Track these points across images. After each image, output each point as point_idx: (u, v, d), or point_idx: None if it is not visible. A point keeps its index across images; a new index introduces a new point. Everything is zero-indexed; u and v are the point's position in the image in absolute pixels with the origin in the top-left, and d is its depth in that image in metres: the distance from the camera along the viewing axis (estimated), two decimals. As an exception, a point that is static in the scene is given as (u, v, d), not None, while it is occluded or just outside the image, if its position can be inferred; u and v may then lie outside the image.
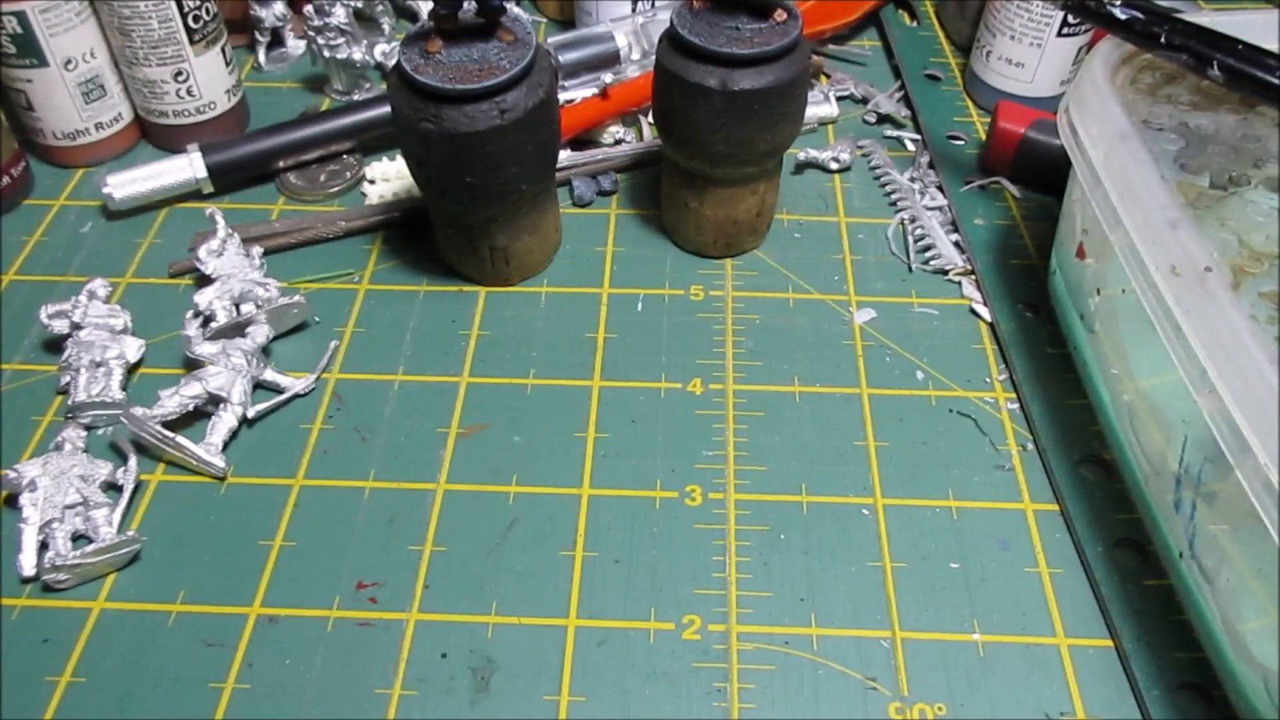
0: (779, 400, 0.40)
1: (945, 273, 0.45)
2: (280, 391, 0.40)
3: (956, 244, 0.46)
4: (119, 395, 0.38)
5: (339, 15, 0.53)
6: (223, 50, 0.50)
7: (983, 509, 0.36)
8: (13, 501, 0.35)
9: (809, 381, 0.41)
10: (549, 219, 0.43)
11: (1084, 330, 0.39)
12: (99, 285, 0.41)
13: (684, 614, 0.33)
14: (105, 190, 0.46)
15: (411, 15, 0.62)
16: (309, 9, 0.52)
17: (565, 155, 0.49)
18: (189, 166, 0.47)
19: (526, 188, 0.40)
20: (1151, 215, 0.31)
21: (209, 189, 0.48)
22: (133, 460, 0.36)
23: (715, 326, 0.43)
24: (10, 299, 0.44)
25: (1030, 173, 0.49)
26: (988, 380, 0.41)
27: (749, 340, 0.42)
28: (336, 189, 0.49)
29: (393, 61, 0.52)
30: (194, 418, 0.39)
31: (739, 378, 0.41)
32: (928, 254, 0.46)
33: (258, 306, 0.42)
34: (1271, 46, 0.35)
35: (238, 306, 0.42)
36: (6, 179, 0.47)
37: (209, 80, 0.50)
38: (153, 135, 0.52)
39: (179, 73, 0.48)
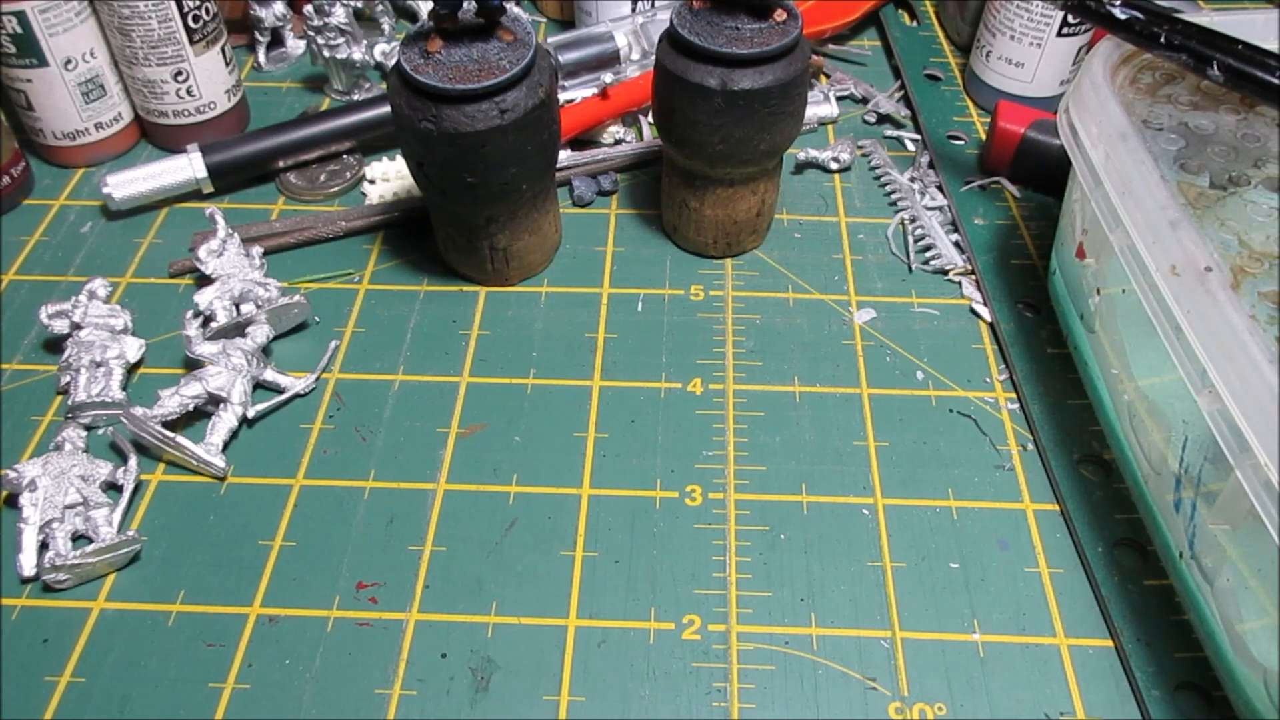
0: (779, 400, 0.40)
1: (945, 273, 0.45)
2: (280, 391, 0.40)
3: (956, 244, 0.46)
4: (119, 395, 0.38)
5: (339, 15, 0.53)
6: (223, 50, 0.50)
7: (983, 509, 0.36)
8: (13, 501, 0.35)
9: (809, 381, 0.41)
10: (549, 219, 0.44)
11: (1084, 330, 0.39)
12: (99, 285, 0.41)
13: (684, 614, 0.33)
14: (105, 190, 0.46)
15: (411, 15, 0.62)
16: (309, 9, 0.52)
17: (565, 155, 0.49)
18: (189, 166, 0.47)
19: (526, 188, 0.40)
20: (1151, 215, 0.31)
21: (209, 189, 0.48)
22: (133, 460, 0.36)
23: (715, 326, 0.43)
24: (10, 299, 0.44)
25: (1030, 173, 0.49)
26: (988, 380, 0.41)
27: (749, 340, 0.42)
28: (336, 189, 0.49)
29: (393, 61, 0.52)
30: (194, 418, 0.39)
31: (739, 378, 0.41)
32: (928, 254, 0.46)
33: (258, 306, 0.42)
34: (1271, 46, 0.35)
35: (238, 306, 0.42)
36: (6, 179, 0.47)
37: (209, 80, 0.50)
38: (153, 135, 0.52)
39: (179, 73, 0.48)
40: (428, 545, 0.35)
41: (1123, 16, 0.36)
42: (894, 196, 0.49)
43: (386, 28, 0.59)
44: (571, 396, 0.40)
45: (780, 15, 0.39)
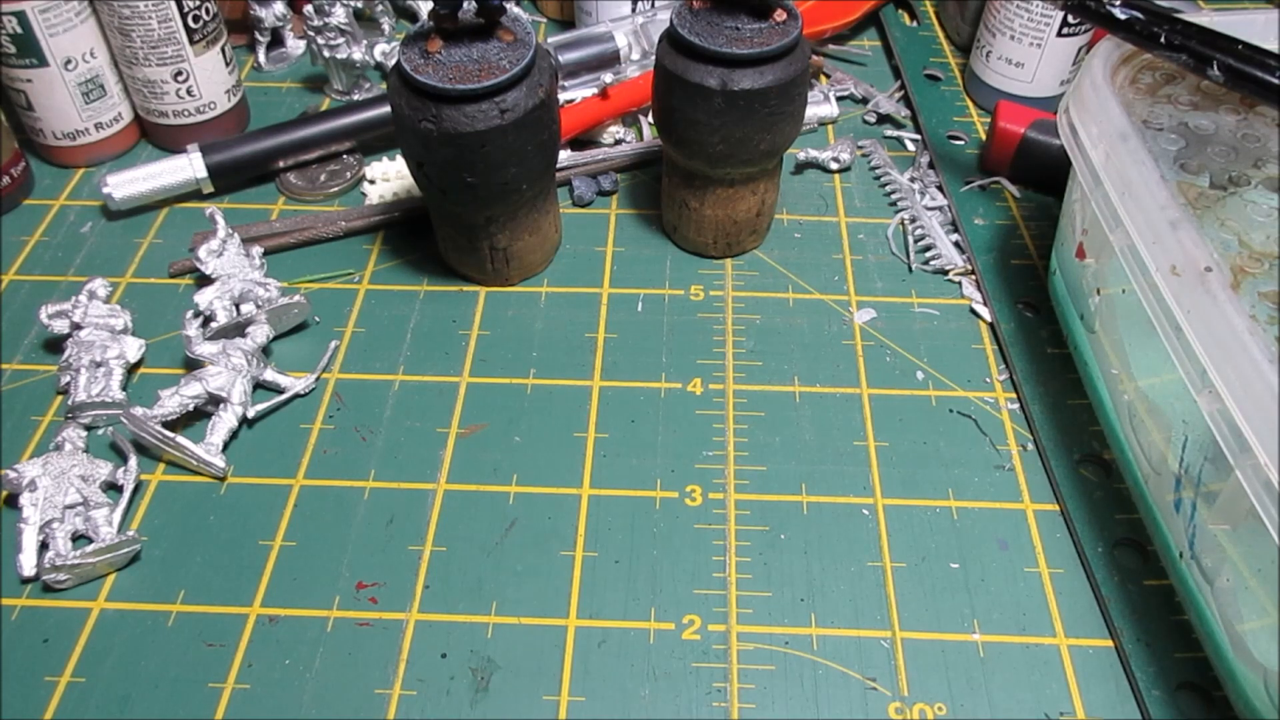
0: (779, 400, 0.40)
1: (945, 273, 0.45)
2: (280, 391, 0.40)
3: (956, 244, 0.46)
4: (119, 395, 0.38)
5: (339, 15, 0.53)
6: (223, 50, 0.50)
7: (983, 509, 0.36)
8: (13, 501, 0.35)
9: (809, 381, 0.41)
10: (549, 219, 0.44)
11: (1084, 330, 0.39)
12: (99, 285, 0.41)
13: (684, 614, 0.33)
14: (105, 190, 0.46)
15: (411, 15, 0.62)
16: (309, 9, 0.52)
17: (565, 155, 0.49)
18: (189, 166, 0.47)
19: (526, 188, 0.40)
20: (1151, 215, 0.31)
21: (209, 189, 0.48)
22: (133, 460, 0.36)
23: (715, 326, 0.43)
24: (10, 299, 0.44)
25: (1030, 173, 0.49)
26: (988, 380, 0.41)
27: (749, 340, 0.42)
28: (336, 189, 0.49)
29: (393, 61, 0.52)
30: (194, 418, 0.39)
31: (739, 378, 0.41)
32: (928, 254, 0.46)
33: (258, 306, 0.42)
34: (1271, 46, 0.35)
35: (238, 306, 0.42)
36: (6, 179, 0.47)
37: (209, 80, 0.50)
38: (153, 135, 0.52)
39: (179, 73, 0.48)
40: (428, 545, 0.35)
41: (1123, 16, 0.36)
42: (894, 196, 0.49)
43: (386, 28, 0.59)
44: (571, 396, 0.40)
45: (780, 15, 0.39)
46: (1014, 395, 0.40)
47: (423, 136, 0.37)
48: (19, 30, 0.45)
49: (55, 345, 0.41)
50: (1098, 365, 0.38)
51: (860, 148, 0.52)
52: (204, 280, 0.44)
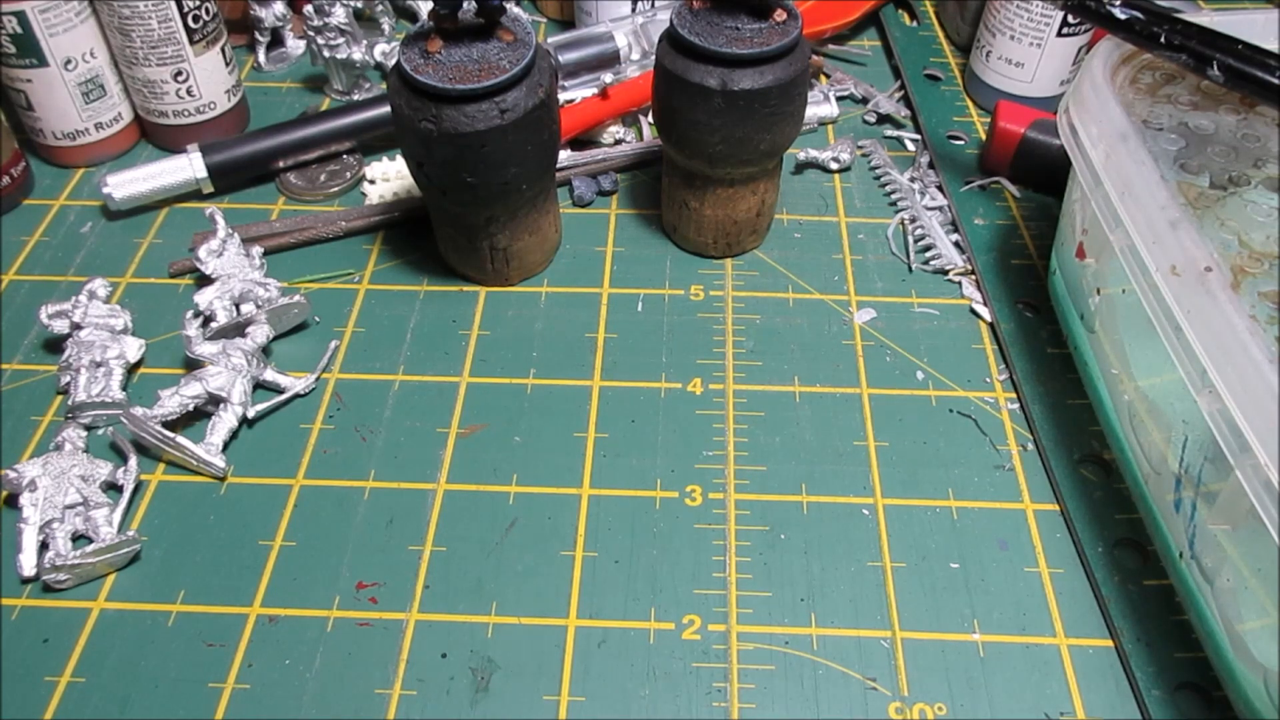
0: (779, 400, 0.40)
1: (945, 273, 0.45)
2: (280, 391, 0.40)
3: (956, 244, 0.46)
4: (119, 395, 0.38)
5: (339, 15, 0.53)
6: (223, 50, 0.50)
7: (983, 509, 0.36)
8: (13, 501, 0.35)
9: (809, 381, 0.41)
10: (549, 219, 0.44)
11: (1084, 330, 0.39)
12: (99, 285, 0.41)
13: (684, 614, 0.33)
14: (105, 190, 0.46)
15: (411, 15, 0.62)
16: (309, 9, 0.52)
17: (565, 155, 0.49)
18: (189, 166, 0.47)
19: (526, 188, 0.40)
20: (1151, 215, 0.31)
21: (209, 189, 0.48)
22: (133, 460, 0.36)
23: (715, 326, 0.43)
24: (10, 299, 0.44)
25: (1030, 173, 0.49)
26: (988, 380, 0.41)
27: (749, 340, 0.42)
28: (336, 189, 0.49)
29: (393, 61, 0.52)
30: (194, 418, 0.39)
31: (739, 378, 0.41)
32: (928, 254, 0.46)
33: (258, 306, 0.42)
34: (1271, 46, 0.35)
35: (238, 306, 0.42)
36: (6, 179, 0.47)
37: (209, 80, 0.50)
38: (153, 135, 0.52)
39: (179, 73, 0.48)
40: (428, 545, 0.35)
41: (1123, 16, 0.36)
42: (894, 196, 0.49)
43: (386, 28, 0.59)
44: (571, 396, 0.40)
45: (780, 15, 0.39)
46: (1014, 395, 0.40)
47: (423, 136, 0.37)
48: (19, 30, 0.45)
49: (55, 345, 0.41)
50: (1098, 365, 0.38)
51: (860, 148, 0.52)
52: (204, 280, 0.44)
